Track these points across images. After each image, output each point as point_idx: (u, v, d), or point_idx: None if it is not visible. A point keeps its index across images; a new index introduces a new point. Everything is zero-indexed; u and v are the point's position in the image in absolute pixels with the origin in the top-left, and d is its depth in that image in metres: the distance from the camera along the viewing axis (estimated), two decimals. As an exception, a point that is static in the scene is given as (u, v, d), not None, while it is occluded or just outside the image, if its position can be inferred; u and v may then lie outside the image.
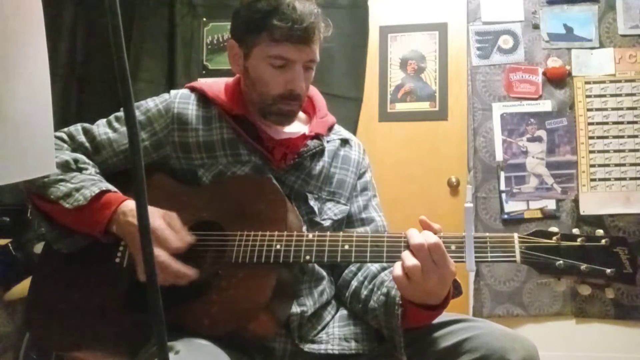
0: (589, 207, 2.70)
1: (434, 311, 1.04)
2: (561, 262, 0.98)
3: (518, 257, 0.99)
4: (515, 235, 1.01)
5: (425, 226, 1.02)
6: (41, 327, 1.19)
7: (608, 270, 0.96)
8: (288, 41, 1.16)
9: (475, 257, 0.99)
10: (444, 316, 1.11)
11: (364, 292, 1.17)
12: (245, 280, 1.06)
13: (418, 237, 0.99)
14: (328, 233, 1.09)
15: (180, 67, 3.04)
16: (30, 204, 1.20)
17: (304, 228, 1.18)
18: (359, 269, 1.23)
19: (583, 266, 0.97)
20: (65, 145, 1.24)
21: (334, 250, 1.06)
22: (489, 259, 1.00)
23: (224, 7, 2.99)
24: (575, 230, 1.02)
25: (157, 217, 1.09)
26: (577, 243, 0.99)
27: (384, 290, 1.10)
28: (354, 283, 1.22)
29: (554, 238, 1.00)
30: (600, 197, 2.70)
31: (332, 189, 1.28)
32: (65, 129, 1.27)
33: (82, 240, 1.17)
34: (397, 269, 0.99)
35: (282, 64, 1.19)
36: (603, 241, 0.99)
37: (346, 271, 1.25)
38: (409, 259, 0.97)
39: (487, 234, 1.02)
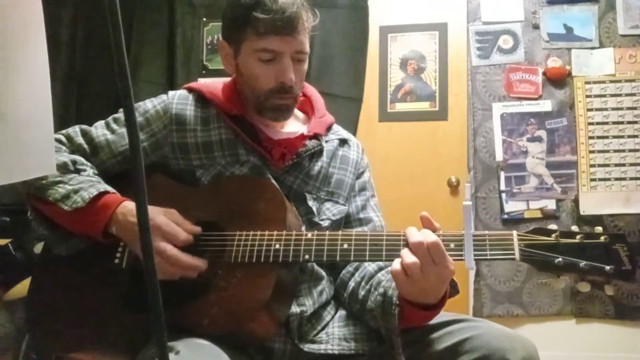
0: (589, 207, 2.69)
1: (431, 311, 1.04)
2: (560, 259, 0.98)
3: (517, 255, 0.99)
4: (514, 232, 1.01)
5: (425, 223, 1.02)
6: (41, 328, 1.19)
7: (607, 267, 0.96)
8: (272, 33, 1.17)
9: (475, 255, 0.99)
10: (444, 316, 1.11)
11: (362, 293, 1.17)
12: (245, 280, 1.06)
13: (417, 235, 0.99)
14: (327, 232, 1.09)
15: (180, 67, 3.04)
16: (29, 206, 1.20)
17: (303, 228, 1.17)
18: (356, 269, 1.23)
19: (582, 263, 0.97)
20: (64, 147, 1.24)
21: (333, 249, 1.06)
22: (488, 257, 1.00)
23: (224, 7, 2.98)
24: (574, 228, 1.01)
25: (158, 213, 1.09)
26: (576, 240, 0.99)
27: (381, 290, 1.10)
28: (352, 284, 1.21)
29: (553, 235, 1.00)
30: (600, 197, 2.70)
31: (330, 189, 1.27)
32: (64, 131, 1.27)
33: (81, 243, 1.17)
34: (396, 264, 0.99)
35: (270, 57, 1.19)
36: (602, 238, 0.98)
37: (343, 272, 1.25)
38: (408, 257, 0.97)
39: (487, 232, 1.02)
